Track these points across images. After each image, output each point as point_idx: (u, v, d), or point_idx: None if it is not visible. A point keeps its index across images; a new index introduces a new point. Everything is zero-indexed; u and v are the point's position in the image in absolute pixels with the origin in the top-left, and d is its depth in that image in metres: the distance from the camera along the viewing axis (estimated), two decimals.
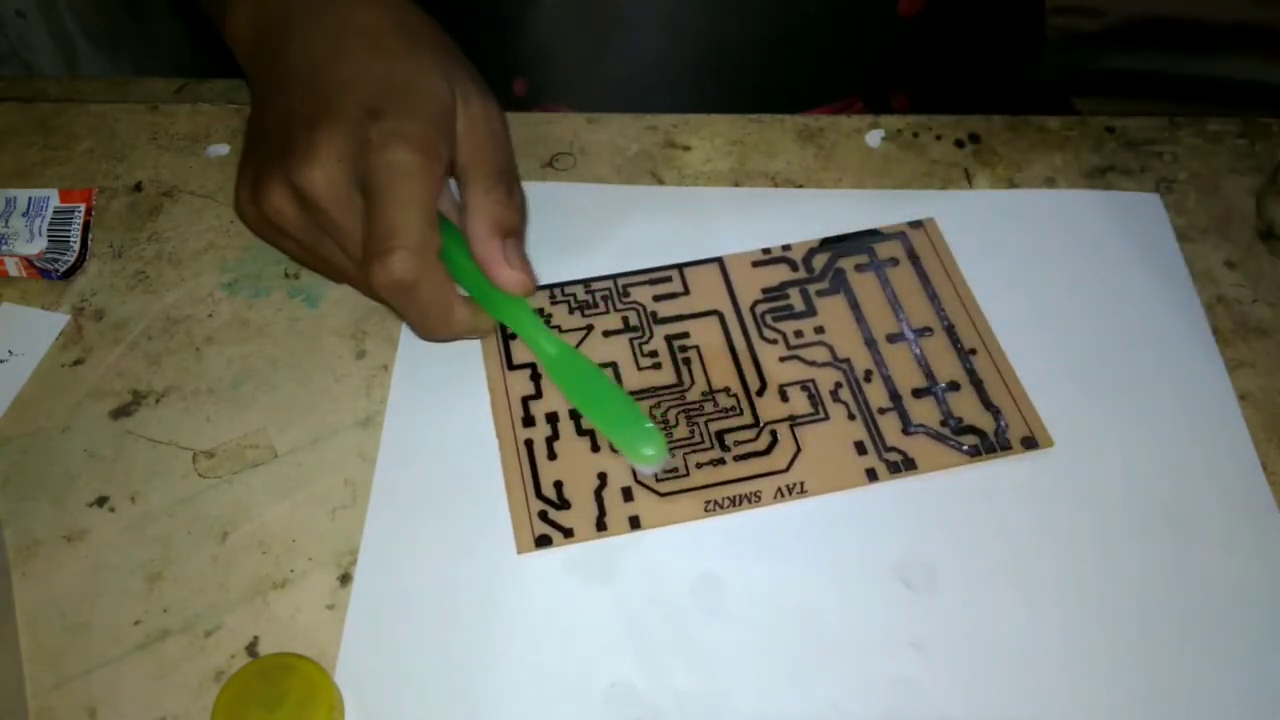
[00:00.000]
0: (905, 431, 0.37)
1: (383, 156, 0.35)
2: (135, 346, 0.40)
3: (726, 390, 0.38)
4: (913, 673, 0.32)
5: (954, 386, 0.38)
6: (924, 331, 0.39)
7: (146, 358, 0.40)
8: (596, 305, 0.40)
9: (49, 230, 0.42)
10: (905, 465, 0.36)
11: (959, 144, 0.45)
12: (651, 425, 0.36)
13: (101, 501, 0.36)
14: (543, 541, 0.35)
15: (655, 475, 0.36)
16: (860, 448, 0.36)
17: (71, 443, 0.37)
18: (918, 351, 0.39)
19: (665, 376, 0.38)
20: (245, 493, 0.36)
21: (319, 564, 0.35)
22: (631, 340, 0.39)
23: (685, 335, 0.39)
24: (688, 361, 0.39)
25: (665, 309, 0.40)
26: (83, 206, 0.43)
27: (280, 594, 0.34)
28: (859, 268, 0.41)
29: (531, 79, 0.51)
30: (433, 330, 0.37)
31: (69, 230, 0.42)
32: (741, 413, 0.37)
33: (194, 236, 0.43)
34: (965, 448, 0.36)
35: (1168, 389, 0.38)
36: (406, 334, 0.40)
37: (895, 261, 0.41)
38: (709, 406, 0.38)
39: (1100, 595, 0.34)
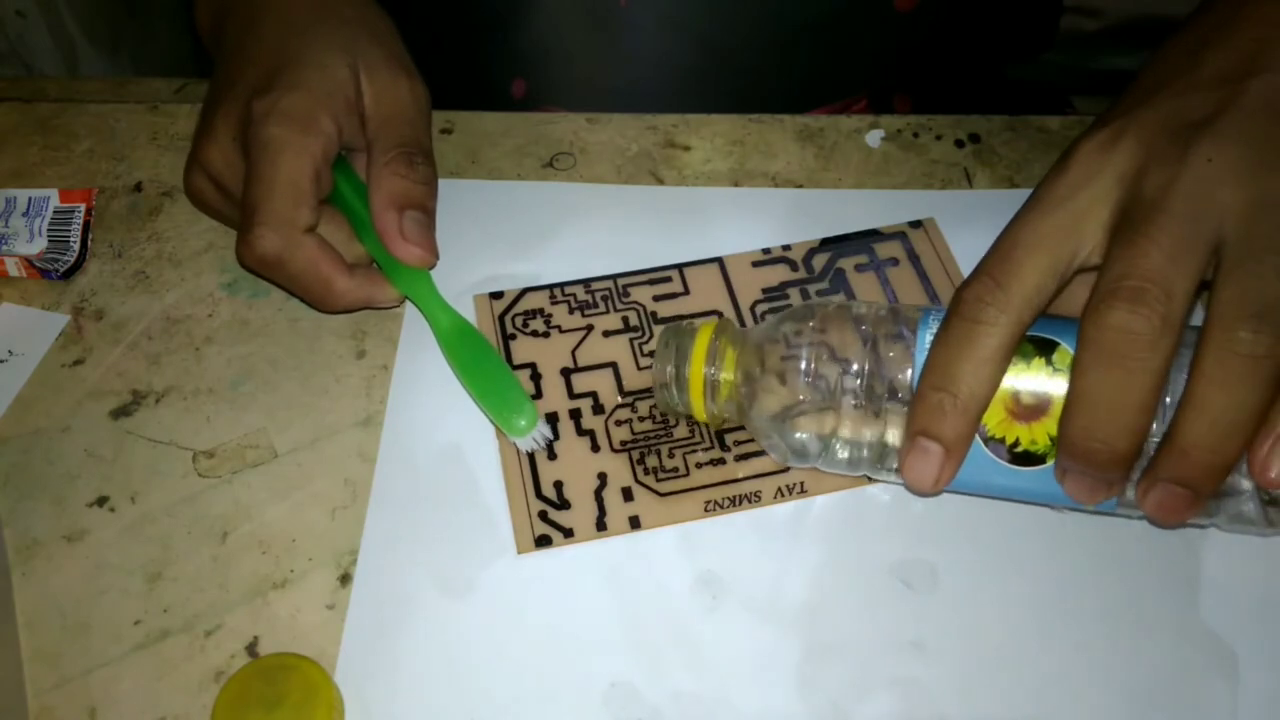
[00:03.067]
0: None
1: (256, 132, 0.36)
2: (135, 346, 0.40)
3: None
4: (913, 673, 0.32)
5: None
6: None
7: (146, 358, 0.40)
8: (596, 305, 0.40)
9: (49, 230, 0.42)
10: None
11: (959, 144, 0.45)
12: (528, 399, 0.36)
13: (101, 501, 0.36)
14: (543, 541, 0.35)
15: (534, 449, 0.36)
16: None
17: (71, 443, 0.37)
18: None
19: None
20: (245, 493, 0.36)
21: (319, 564, 0.35)
22: (631, 340, 0.39)
23: None
24: None
25: (665, 309, 0.40)
26: (83, 206, 0.43)
27: (280, 594, 0.34)
28: (859, 268, 0.41)
29: (531, 80, 0.51)
30: (318, 303, 0.38)
31: (69, 230, 0.42)
32: None
33: (194, 236, 0.43)
34: None
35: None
36: (406, 334, 0.40)
37: (895, 261, 0.41)
38: None
39: (1100, 595, 0.34)
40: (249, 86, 0.37)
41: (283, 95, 0.36)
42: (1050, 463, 0.31)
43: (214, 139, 0.38)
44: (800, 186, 0.44)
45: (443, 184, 0.43)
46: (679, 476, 0.36)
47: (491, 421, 0.37)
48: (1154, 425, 0.29)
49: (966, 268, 0.41)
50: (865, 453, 0.33)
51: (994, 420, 0.31)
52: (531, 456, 0.37)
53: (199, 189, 0.39)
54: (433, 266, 0.38)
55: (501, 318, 0.40)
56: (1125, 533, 0.35)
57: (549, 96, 0.51)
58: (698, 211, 0.43)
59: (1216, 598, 0.33)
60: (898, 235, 0.42)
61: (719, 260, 0.42)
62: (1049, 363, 0.30)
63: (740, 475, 0.36)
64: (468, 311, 0.40)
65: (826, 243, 0.42)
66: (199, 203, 0.41)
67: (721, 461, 0.36)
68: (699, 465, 0.36)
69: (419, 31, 0.42)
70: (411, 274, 0.38)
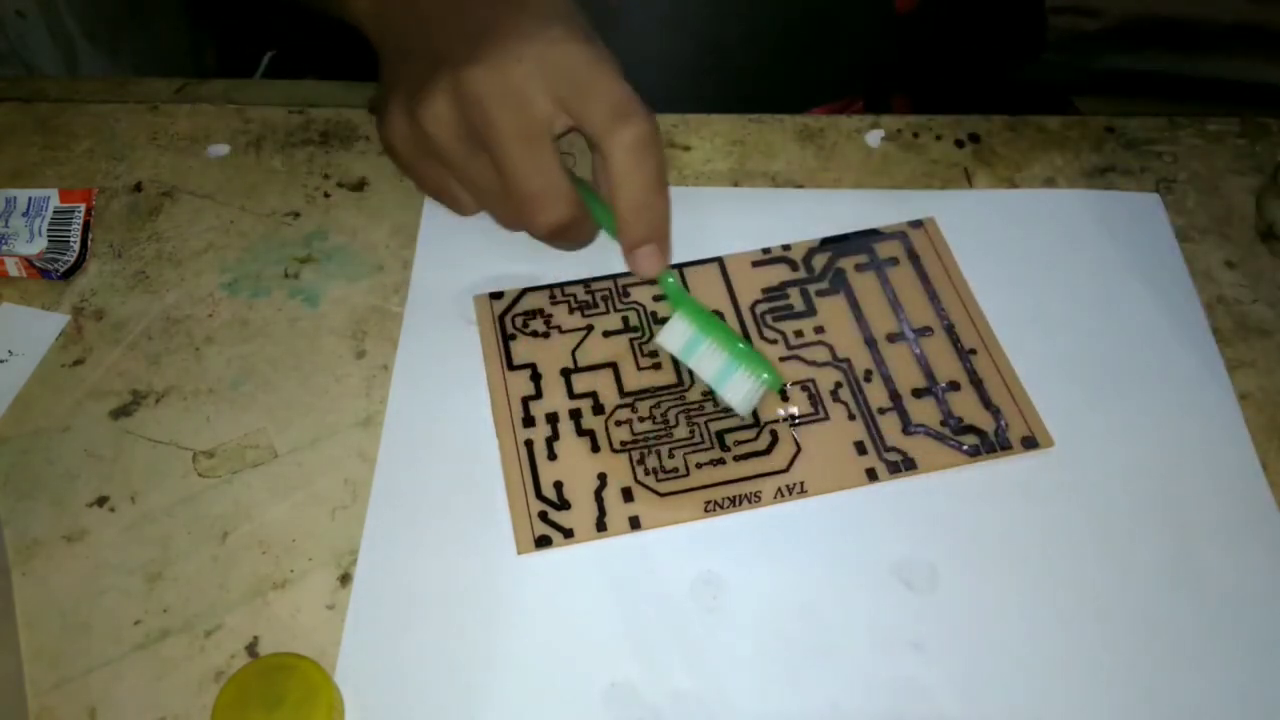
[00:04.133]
0: (905, 431, 0.37)
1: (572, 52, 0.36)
2: (135, 346, 0.40)
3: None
4: (913, 673, 0.32)
5: (954, 386, 0.38)
6: (924, 331, 0.39)
7: (146, 358, 0.40)
8: (596, 305, 0.40)
9: (49, 230, 0.42)
10: (905, 465, 0.36)
11: (959, 144, 0.45)
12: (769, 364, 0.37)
13: (101, 501, 0.36)
14: (543, 542, 0.35)
15: (751, 405, 0.37)
16: (860, 448, 0.36)
17: (71, 443, 0.37)
18: (918, 351, 0.39)
19: (665, 376, 0.38)
20: (245, 493, 0.36)
21: (319, 564, 0.35)
22: (631, 340, 0.39)
23: None
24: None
25: (665, 309, 0.40)
26: (83, 206, 0.43)
27: (280, 594, 0.34)
28: (859, 267, 0.41)
29: None
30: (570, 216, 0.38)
31: (69, 230, 0.42)
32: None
33: (194, 236, 0.43)
34: (965, 448, 0.36)
35: (1168, 389, 0.38)
36: (406, 334, 0.40)
37: (895, 261, 0.41)
38: (709, 406, 0.38)
39: (1100, 595, 0.34)
40: (539, 20, 0.37)
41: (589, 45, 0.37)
42: None
43: (482, 59, 0.36)
44: (800, 186, 0.44)
45: None
46: (679, 476, 0.36)
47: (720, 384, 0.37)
48: None
49: (966, 267, 0.41)
50: None
51: None
52: (531, 457, 0.37)
53: (437, 115, 0.37)
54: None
55: (501, 318, 0.40)
56: (1126, 532, 0.35)
57: None
58: (698, 211, 0.43)
59: (1217, 598, 0.33)
60: (898, 235, 0.42)
61: (719, 260, 0.42)
62: None
63: (740, 475, 0.36)
64: (467, 310, 0.40)
65: (826, 243, 0.42)
66: (420, 139, 0.38)
67: (721, 461, 0.36)
68: (699, 465, 0.36)
69: None
70: None
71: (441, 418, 0.38)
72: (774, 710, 0.32)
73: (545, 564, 0.34)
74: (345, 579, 0.34)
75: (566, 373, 0.39)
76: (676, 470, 0.36)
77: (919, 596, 0.34)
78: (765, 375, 0.37)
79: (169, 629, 0.33)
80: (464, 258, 0.42)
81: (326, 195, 0.44)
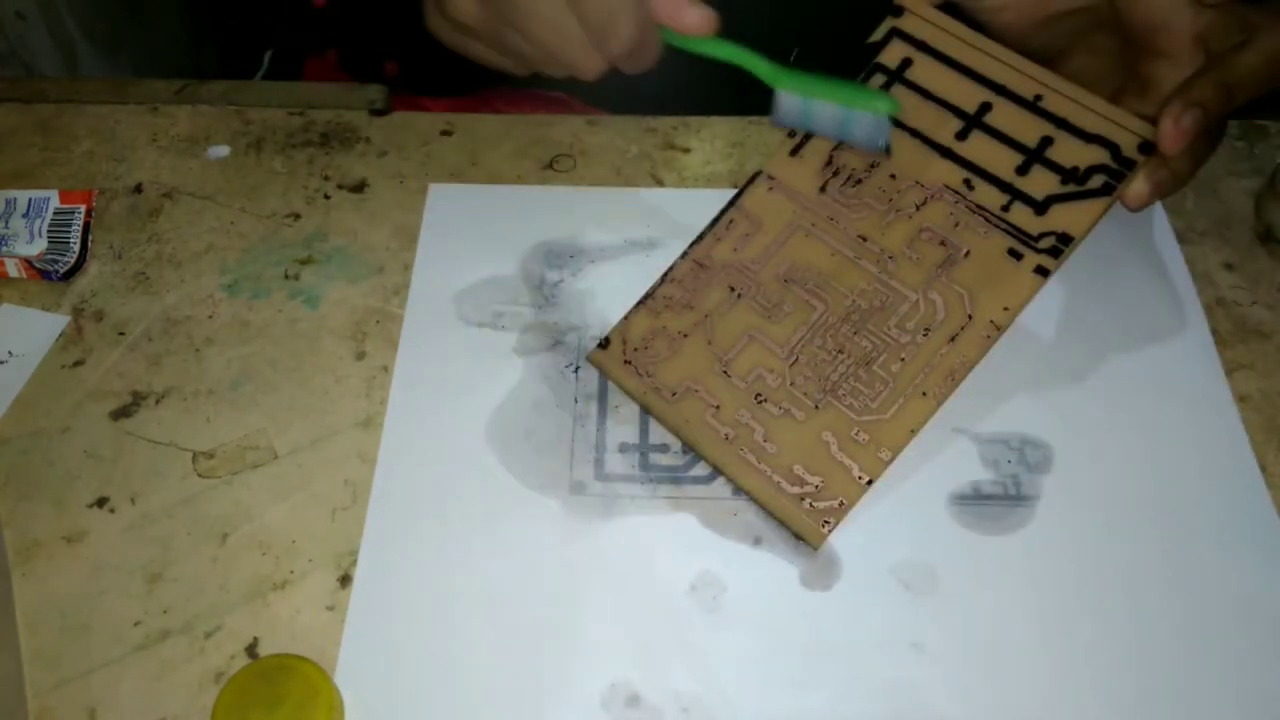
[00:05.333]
0: (1039, 213, 0.37)
1: None
2: (135, 347, 0.40)
3: (856, 303, 0.37)
4: (913, 673, 0.32)
5: (1048, 142, 0.37)
6: (984, 108, 0.39)
7: (146, 359, 0.40)
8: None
9: (49, 231, 0.42)
10: (1061, 240, 0.36)
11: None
12: (881, 92, 0.38)
13: (101, 502, 0.36)
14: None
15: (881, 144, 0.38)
16: (1015, 254, 0.36)
17: (71, 443, 0.37)
18: (996, 133, 0.38)
19: (801, 317, 0.38)
20: (245, 493, 0.36)
21: (319, 565, 0.35)
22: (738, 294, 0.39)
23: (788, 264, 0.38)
24: (812, 291, 0.38)
25: (745, 254, 0.39)
26: (83, 208, 0.43)
27: (280, 595, 0.34)
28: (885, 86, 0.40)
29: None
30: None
31: (69, 231, 0.42)
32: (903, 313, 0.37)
33: (194, 238, 0.43)
34: (1098, 189, 0.36)
35: (1167, 390, 0.38)
36: (406, 335, 0.40)
37: (910, 62, 0.40)
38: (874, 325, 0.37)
39: (1098, 596, 0.34)
40: None
41: None
42: None
43: None
44: None
45: (443, 187, 0.43)
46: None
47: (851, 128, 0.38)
48: None
49: None
50: None
51: None
52: None
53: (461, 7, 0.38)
54: (713, 31, 0.38)
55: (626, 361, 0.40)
56: (1125, 534, 0.35)
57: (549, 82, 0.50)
58: (698, 213, 0.43)
59: (1215, 599, 0.33)
60: (888, 37, 0.41)
61: (760, 174, 0.41)
62: None
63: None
64: (467, 311, 0.40)
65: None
66: (452, 28, 0.39)
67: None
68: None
69: (421, 27, 0.42)
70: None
71: (441, 418, 0.38)
72: (774, 710, 0.32)
73: (546, 564, 0.34)
74: (345, 580, 0.34)
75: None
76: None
77: (919, 598, 0.34)
78: (880, 105, 0.37)
79: (169, 630, 0.33)
80: (464, 259, 0.42)
81: (326, 197, 0.44)
